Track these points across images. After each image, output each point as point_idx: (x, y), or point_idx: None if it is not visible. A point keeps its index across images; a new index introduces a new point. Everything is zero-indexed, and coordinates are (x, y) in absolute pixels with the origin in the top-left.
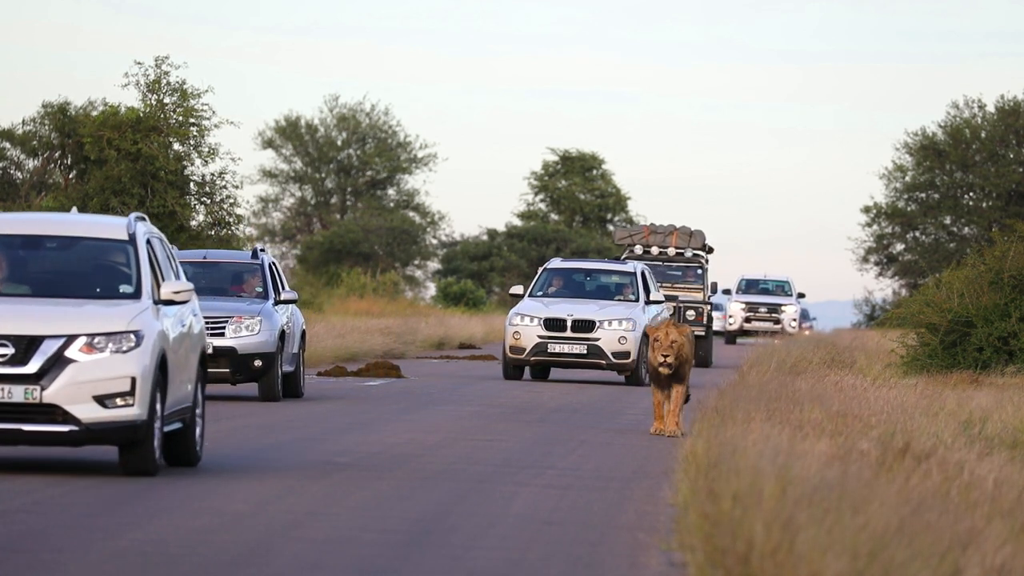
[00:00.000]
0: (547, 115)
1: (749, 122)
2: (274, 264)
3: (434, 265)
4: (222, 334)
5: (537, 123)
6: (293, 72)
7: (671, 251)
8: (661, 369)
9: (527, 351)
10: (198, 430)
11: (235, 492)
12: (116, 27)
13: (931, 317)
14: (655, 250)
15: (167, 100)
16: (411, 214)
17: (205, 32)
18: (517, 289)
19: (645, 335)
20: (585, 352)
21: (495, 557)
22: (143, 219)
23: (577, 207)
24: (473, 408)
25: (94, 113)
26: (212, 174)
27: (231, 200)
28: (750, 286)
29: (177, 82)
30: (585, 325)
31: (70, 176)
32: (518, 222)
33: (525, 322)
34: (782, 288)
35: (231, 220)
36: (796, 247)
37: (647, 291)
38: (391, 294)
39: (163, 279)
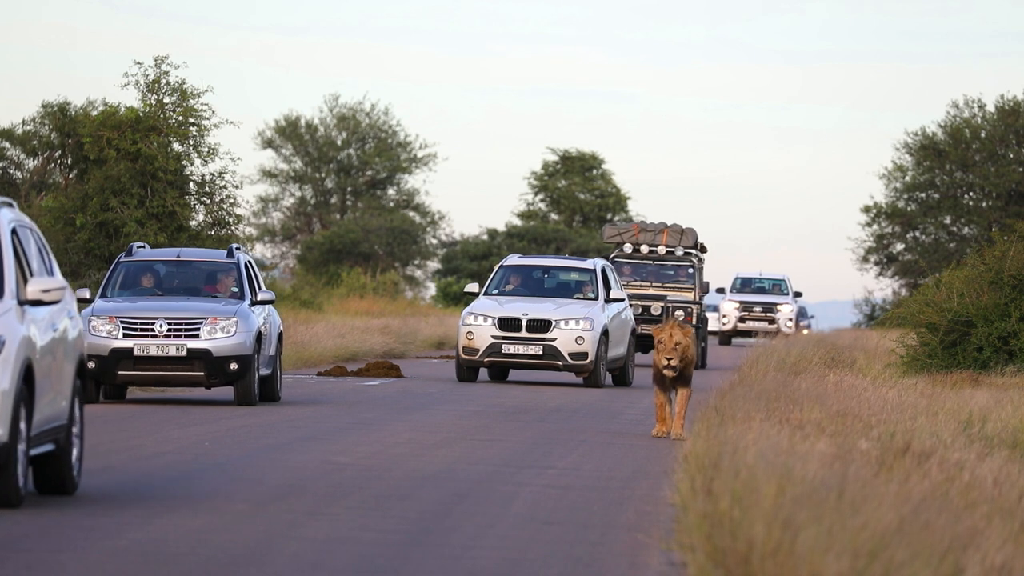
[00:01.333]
0: (547, 115)
1: (750, 122)
2: (250, 263)
3: (434, 265)
4: (196, 336)
5: (537, 123)
6: (293, 72)
7: (661, 249)
8: (665, 371)
9: (480, 352)
10: (75, 452)
11: (235, 492)
12: (116, 27)
13: (931, 317)
14: (644, 248)
15: (166, 100)
16: (411, 214)
17: (205, 32)
18: (472, 287)
19: (605, 334)
20: (540, 353)
21: (495, 557)
22: (10, 205)
23: (577, 207)
24: (473, 408)
25: (94, 113)
26: (212, 174)
27: (231, 200)
28: (745, 285)
29: (176, 82)
30: (540, 325)
31: (70, 176)
32: (518, 222)
33: (479, 322)
34: (778, 287)
35: (231, 220)
36: (796, 247)
37: (608, 289)
38: (391, 294)
39: (31, 275)
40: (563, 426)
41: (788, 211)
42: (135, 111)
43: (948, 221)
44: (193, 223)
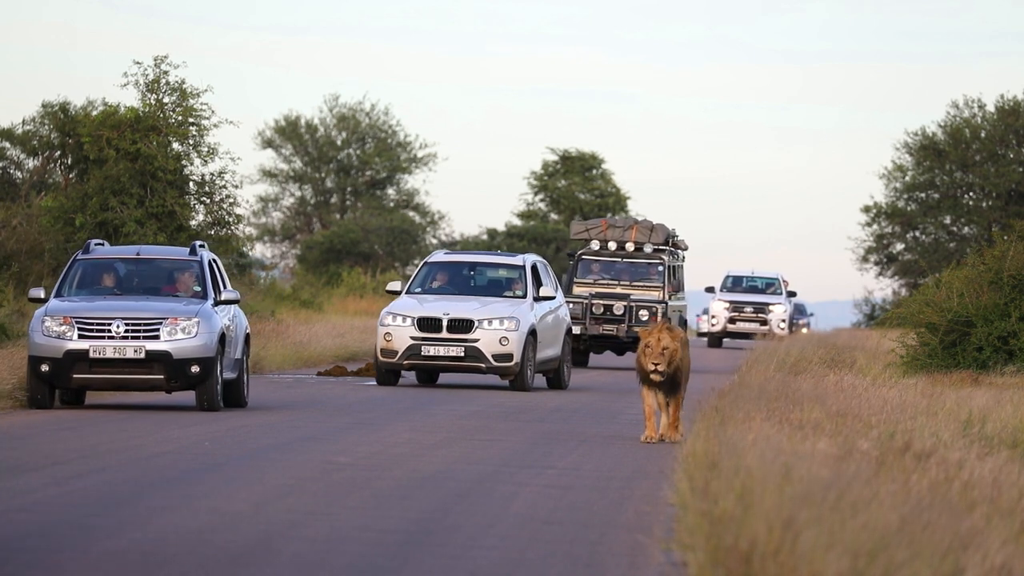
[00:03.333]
0: (547, 115)
1: (750, 122)
2: (214, 261)
3: None
4: (156, 337)
5: (537, 123)
6: (292, 72)
7: (630, 246)
8: (653, 376)
9: (399, 354)
10: None
11: (235, 492)
12: (115, 27)
13: (931, 317)
14: (612, 245)
15: (166, 100)
16: (411, 214)
17: (204, 31)
18: (394, 285)
19: (533, 333)
20: (462, 355)
21: (495, 557)
22: None
23: (577, 207)
24: (473, 408)
25: (94, 113)
26: (211, 174)
27: (231, 200)
28: (736, 284)
29: (176, 81)
30: (462, 325)
31: (70, 176)
32: (518, 222)
33: (397, 322)
34: (771, 286)
35: (231, 220)
36: (796, 247)
37: (538, 286)
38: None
39: None
40: (563, 426)
41: (788, 211)
42: (135, 111)
43: (948, 221)
44: (193, 223)
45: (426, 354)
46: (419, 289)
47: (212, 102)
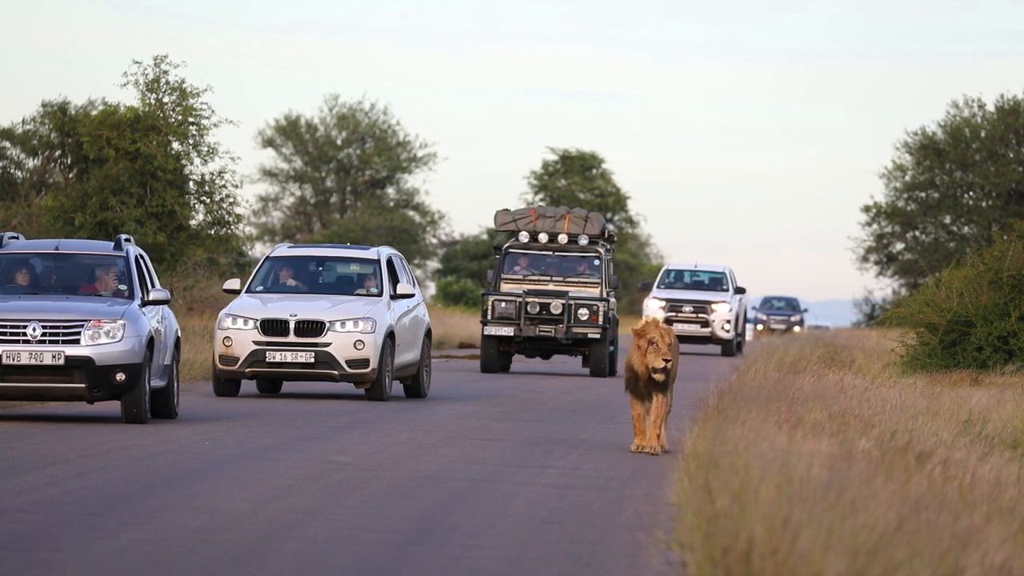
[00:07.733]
0: (547, 115)
1: (752, 122)
2: (142, 257)
3: (434, 264)
4: (77, 341)
5: (537, 123)
6: (292, 71)
7: (562, 238)
8: (656, 376)
9: (241, 361)
10: None
11: (235, 492)
12: (115, 26)
13: (931, 316)
14: (543, 237)
15: (166, 99)
16: (411, 213)
17: (204, 31)
18: (233, 283)
19: (391, 336)
20: (312, 361)
21: (495, 556)
22: None
23: (577, 206)
24: (473, 408)
25: (93, 112)
26: (211, 173)
27: (231, 199)
28: (677, 279)
29: (176, 81)
30: (311, 327)
31: (70, 175)
32: None
33: (238, 325)
34: (717, 282)
35: (231, 219)
36: (798, 247)
37: (395, 283)
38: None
39: None
40: (563, 426)
41: (789, 211)
42: (135, 110)
43: (948, 221)
44: (193, 223)
45: (271, 360)
46: (261, 288)
47: (212, 102)
